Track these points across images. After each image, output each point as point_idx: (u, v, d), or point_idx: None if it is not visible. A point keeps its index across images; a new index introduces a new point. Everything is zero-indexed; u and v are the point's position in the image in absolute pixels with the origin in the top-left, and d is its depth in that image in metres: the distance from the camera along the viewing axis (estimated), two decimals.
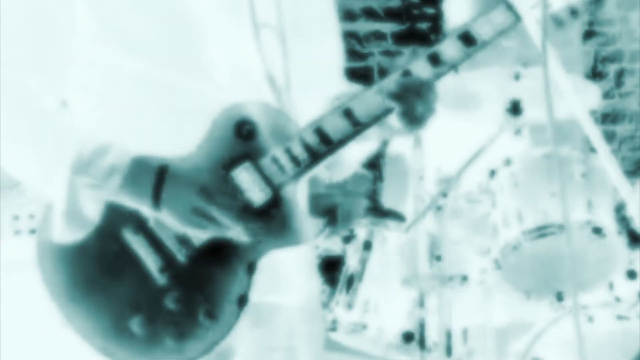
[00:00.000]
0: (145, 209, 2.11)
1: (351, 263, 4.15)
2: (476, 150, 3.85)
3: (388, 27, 5.56)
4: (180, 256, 2.14)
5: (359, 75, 2.36)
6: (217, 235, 2.13)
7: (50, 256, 2.15)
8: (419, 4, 5.58)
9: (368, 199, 4.14)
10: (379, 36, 5.53)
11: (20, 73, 2.13)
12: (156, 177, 2.09)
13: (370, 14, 5.52)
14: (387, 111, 2.18)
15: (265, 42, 2.23)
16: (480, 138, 3.88)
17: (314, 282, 2.43)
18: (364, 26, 5.50)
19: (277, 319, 2.28)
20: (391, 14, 5.56)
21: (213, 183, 2.11)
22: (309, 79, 2.28)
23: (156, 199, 2.09)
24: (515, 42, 3.81)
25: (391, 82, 2.17)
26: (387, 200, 4.22)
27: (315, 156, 2.16)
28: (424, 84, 2.18)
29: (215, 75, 2.17)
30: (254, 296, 2.17)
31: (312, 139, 2.15)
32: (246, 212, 2.13)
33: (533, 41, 2.11)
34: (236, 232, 2.12)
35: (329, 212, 4.74)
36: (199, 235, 2.14)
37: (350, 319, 4.06)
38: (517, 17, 2.17)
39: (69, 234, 2.12)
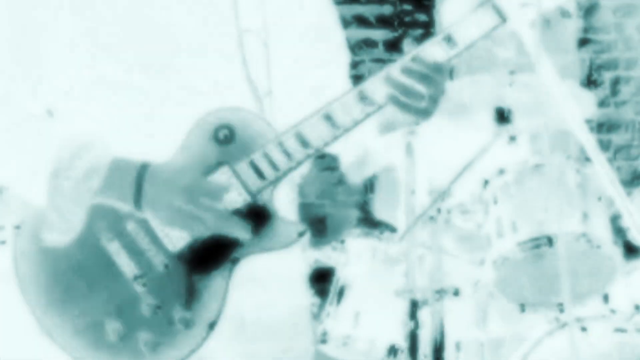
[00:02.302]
0: (126, 210, 2.12)
1: (342, 274, 4.14)
2: (469, 159, 3.82)
3: (379, 35, 5.55)
4: (158, 263, 2.14)
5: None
6: (199, 236, 2.13)
7: (27, 263, 2.16)
8: (411, 10, 5.56)
9: (359, 209, 4.13)
10: (370, 44, 5.52)
11: (4, 79, 2.15)
12: (137, 177, 2.10)
13: (361, 20, 5.51)
14: (368, 115, 2.17)
15: (249, 48, 2.24)
16: (473, 147, 3.85)
17: (303, 293, 2.43)
18: (354, 33, 5.49)
19: (264, 330, 2.28)
20: (383, 21, 5.55)
21: (195, 182, 2.11)
22: (292, 85, 2.30)
23: (138, 198, 2.10)
24: (509, 50, 3.78)
25: (375, 83, 2.16)
26: (379, 211, 4.21)
27: (294, 161, 2.15)
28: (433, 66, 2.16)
29: (198, 81, 2.19)
30: (239, 308, 2.19)
31: (291, 144, 2.15)
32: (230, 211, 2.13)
33: (526, 48, 2.09)
34: (221, 230, 2.11)
35: (318, 221, 4.72)
36: (177, 242, 2.14)
37: (340, 332, 4.04)
38: (503, 18, 2.15)
39: (51, 239, 2.13)
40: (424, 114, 2.21)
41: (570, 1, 2.09)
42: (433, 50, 2.16)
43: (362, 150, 2.41)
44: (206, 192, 2.10)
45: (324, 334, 4.02)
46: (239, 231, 2.12)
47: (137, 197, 2.10)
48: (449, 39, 2.16)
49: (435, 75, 2.17)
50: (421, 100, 2.17)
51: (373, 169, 2.46)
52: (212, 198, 2.10)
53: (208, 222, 2.10)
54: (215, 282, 2.14)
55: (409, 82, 2.15)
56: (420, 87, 2.16)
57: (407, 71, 2.15)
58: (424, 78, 2.16)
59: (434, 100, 2.20)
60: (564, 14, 1.94)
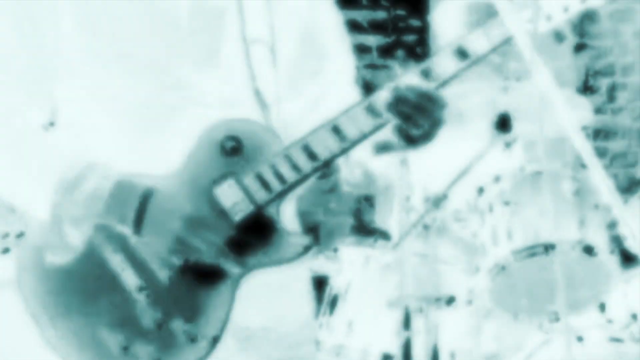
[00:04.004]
0: (126, 233, 2.11)
1: (335, 283, 4.14)
2: (464, 167, 3.81)
3: (373, 40, 5.55)
4: (162, 276, 2.12)
5: None
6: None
7: (30, 276, 2.15)
8: (405, 16, 5.56)
9: (353, 217, 4.13)
10: (363, 49, 5.51)
11: (6, 90, 2.14)
12: (140, 203, 2.09)
13: (354, 26, 5.50)
14: (377, 127, 2.14)
15: (255, 58, 2.23)
16: (469, 154, 3.84)
17: (308, 303, 2.41)
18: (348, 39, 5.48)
19: (267, 342, 2.26)
20: (376, 27, 5.55)
21: (199, 212, 2.10)
22: (299, 96, 2.29)
23: (138, 225, 2.09)
24: (504, 56, 3.76)
25: (384, 96, 2.13)
26: (372, 219, 4.20)
27: (301, 173, 2.13)
28: (424, 95, 2.14)
29: (204, 92, 2.18)
30: (244, 319, 2.17)
31: (298, 156, 2.12)
32: (231, 244, 2.11)
33: (523, 55, 2.06)
34: (214, 262, 2.11)
35: (311, 230, 4.70)
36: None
37: (333, 341, 4.03)
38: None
39: (51, 257, 2.11)
40: (420, 141, 2.19)
41: (565, 24, 2.07)
42: (443, 63, 2.14)
43: (361, 169, 2.37)
44: (207, 224, 2.09)
45: (317, 343, 3.99)
46: (230, 266, 2.11)
47: (137, 223, 2.08)
48: (459, 52, 2.13)
49: (429, 105, 2.15)
50: (420, 127, 2.16)
51: (375, 186, 2.43)
52: (212, 231, 2.09)
53: (204, 254, 2.09)
54: (220, 294, 2.13)
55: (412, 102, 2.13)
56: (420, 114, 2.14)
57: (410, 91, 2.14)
58: (419, 108, 2.14)
59: (432, 129, 2.18)
60: (559, 36, 1.92)
